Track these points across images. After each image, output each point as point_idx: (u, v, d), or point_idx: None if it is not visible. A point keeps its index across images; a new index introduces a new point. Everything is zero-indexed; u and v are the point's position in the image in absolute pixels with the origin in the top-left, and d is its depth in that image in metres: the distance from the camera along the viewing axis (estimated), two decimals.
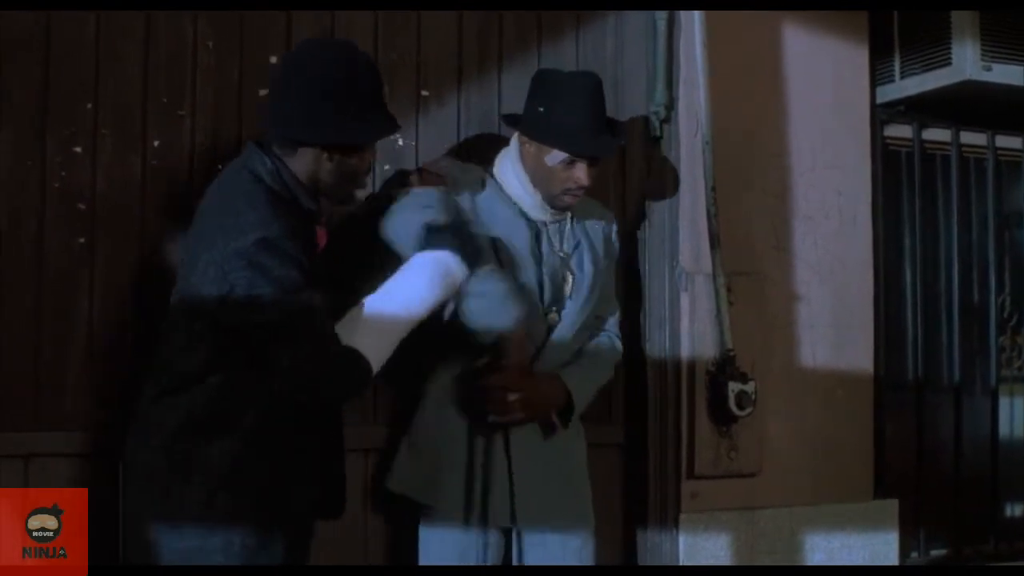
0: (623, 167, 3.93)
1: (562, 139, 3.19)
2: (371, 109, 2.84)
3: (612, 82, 3.87)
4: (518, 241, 3.26)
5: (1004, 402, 4.89)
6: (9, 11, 3.15)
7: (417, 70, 3.63)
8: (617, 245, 3.56)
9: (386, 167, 3.55)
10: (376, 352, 2.68)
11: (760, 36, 4.13)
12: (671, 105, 3.93)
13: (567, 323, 3.32)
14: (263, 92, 3.34)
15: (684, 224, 3.93)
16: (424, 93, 3.64)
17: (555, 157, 3.19)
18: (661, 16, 3.90)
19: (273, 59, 3.40)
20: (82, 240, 3.15)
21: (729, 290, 3.90)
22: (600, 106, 3.27)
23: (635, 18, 3.95)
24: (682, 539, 3.86)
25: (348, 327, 2.66)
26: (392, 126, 2.93)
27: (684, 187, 3.93)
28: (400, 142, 3.57)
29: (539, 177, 3.24)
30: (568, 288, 3.33)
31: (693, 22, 3.90)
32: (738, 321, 3.92)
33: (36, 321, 3.13)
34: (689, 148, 3.93)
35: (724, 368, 3.88)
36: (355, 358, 2.63)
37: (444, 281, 2.81)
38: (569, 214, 3.36)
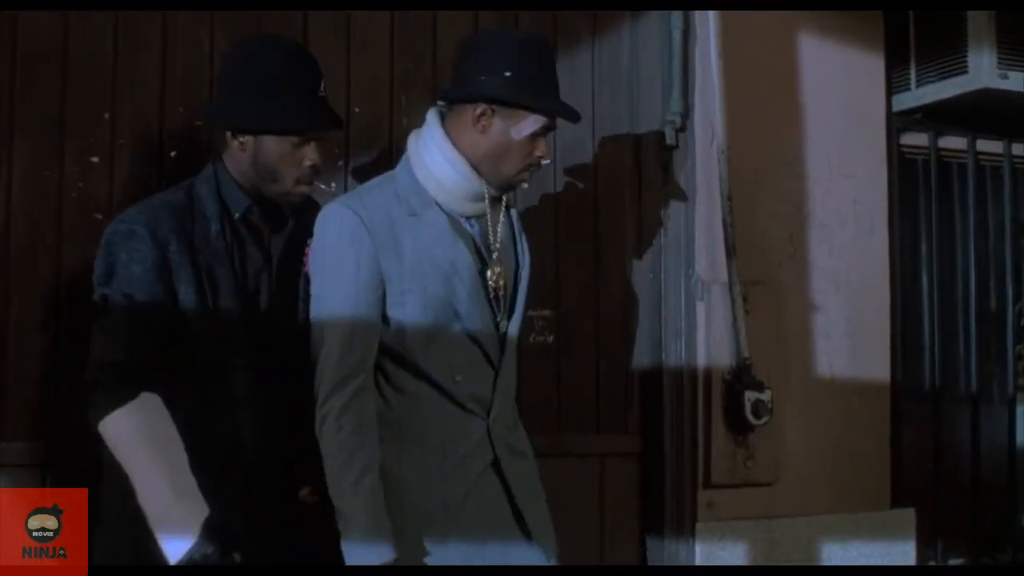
0: (639, 176, 3.94)
1: (545, 105, 2.82)
2: (289, 98, 2.72)
3: (627, 91, 3.90)
4: (455, 250, 2.83)
5: (1021, 410, 4.87)
6: (21, 11, 3.18)
7: (433, 79, 3.64)
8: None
9: None
10: (118, 441, 2.54)
11: (776, 45, 4.13)
12: (686, 114, 3.93)
13: (514, 328, 2.94)
14: None
15: (700, 233, 3.93)
16: (439, 104, 3.64)
17: (528, 127, 2.80)
18: (676, 26, 3.91)
19: None
20: None
21: (745, 299, 3.90)
22: (555, 69, 2.91)
23: (650, 28, 3.96)
24: (698, 548, 3.85)
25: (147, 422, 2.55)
26: (309, 121, 2.75)
27: (700, 196, 3.93)
28: None
29: (494, 156, 2.81)
30: (516, 287, 2.96)
31: (708, 31, 3.90)
32: (754, 330, 3.92)
33: (54, 330, 3.14)
34: (705, 157, 3.93)
35: (740, 377, 3.88)
36: (104, 390, 2.54)
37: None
38: (505, 203, 2.95)
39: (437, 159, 2.82)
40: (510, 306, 2.93)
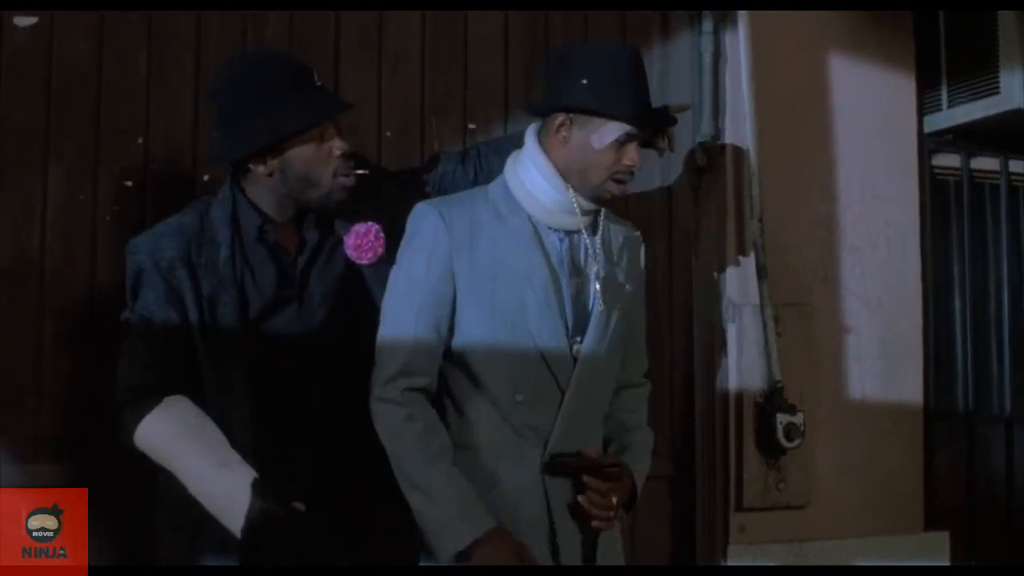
0: (669, 198, 3.93)
1: (622, 110, 2.68)
2: (292, 98, 2.67)
3: None
4: (531, 258, 2.73)
5: None
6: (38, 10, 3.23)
7: (464, 103, 3.65)
8: (644, 269, 3.03)
9: None
10: (153, 445, 2.62)
11: (807, 67, 4.12)
12: (717, 136, 3.93)
13: (589, 353, 2.75)
14: None
15: (731, 255, 3.92)
16: (471, 126, 3.66)
17: (608, 134, 2.68)
18: (707, 48, 3.91)
19: None
20: None
21: (777, 321, 3.88)
22: (645, 78, 2.79)
23: (681, 50, 3.96)
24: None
25: (177, 420, 2.62)
26: (321, 111, 2.71)
27: (731, 218, 3.93)
28: None
29: (578, 166, 2.72)
30: (596, 311, 2.76)
31: (739, 53, 3.90)
32: (786, 352, 3.90)
33: (88, 352, 3.15)
34: (736, 179, 3.93)
35: (772, 400, 3.86)
36: (128, 407, 2.63)
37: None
38: (601, 223, 2.83)
39: (530, 170, 2.75)
40: (583, 326, 2.75)
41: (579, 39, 3.83)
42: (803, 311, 4.00)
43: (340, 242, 2.81)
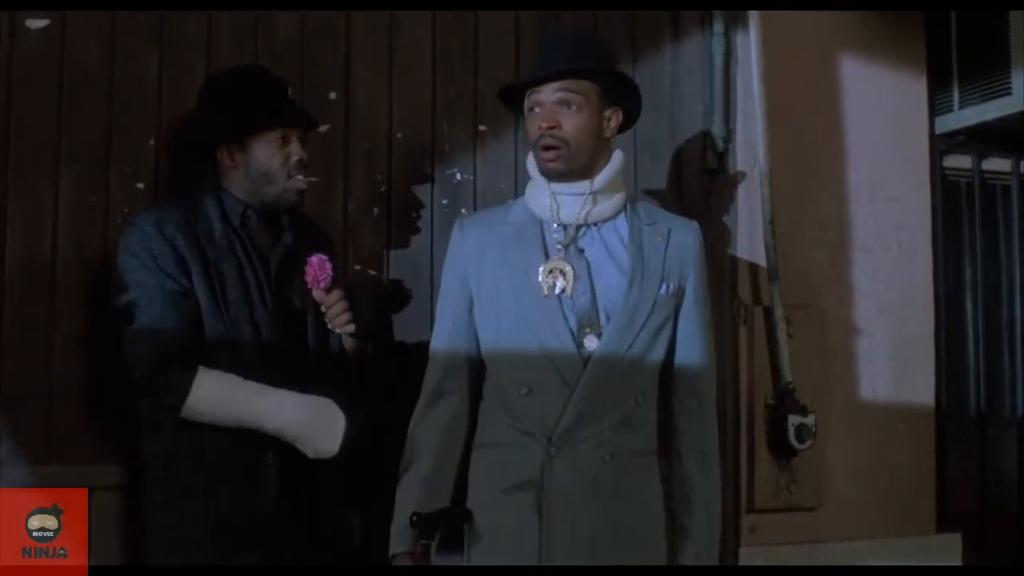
0: (680, 200, 3.92)
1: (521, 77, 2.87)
2: (262, 102, 2.98)
3: (669, 115, 3.88)
4: (533, 254, 2.81)
5: None
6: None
7: (475, 106, 3.65)
8: (696, 267, 2.97)
9: (444, 201, 3.57)
10: (211, 400, 2.76)
11: (818, 69, 4.11)
12: (728, 138, 3.92)
13: (606, 350, 2.75)
14: (324, 127, 3.40)
15: (742, 257, 3.91)
16: (481, 128, 3.66)
17: (527, 105, 2.86)
18: (718, 50, 3.90)
19: (332, 95, 3.45)
20: None
21: (788, 323, 3.87)
22: (576, 46, 2.85)
23: (692, 51, 3.95)
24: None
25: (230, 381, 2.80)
26: (282, 117, 3.00)
27: (742, 220, 3.92)
28: (459, 176, 3.59)
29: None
30: (618, 306, 2.77)
31: (750, 55, 3.89)
32: (797, 354, 3.89)
33: (99, 355, 3.16)
34: (747, 181, 3.92)
35: (783, 401, 3.85)
36: (174, 360, 2.75)
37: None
38: (628, 216, 2.89)
39: (529, 166, 2.95)
40: (592, 320, 2.78)
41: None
42: (814, 312, 3.99)
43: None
